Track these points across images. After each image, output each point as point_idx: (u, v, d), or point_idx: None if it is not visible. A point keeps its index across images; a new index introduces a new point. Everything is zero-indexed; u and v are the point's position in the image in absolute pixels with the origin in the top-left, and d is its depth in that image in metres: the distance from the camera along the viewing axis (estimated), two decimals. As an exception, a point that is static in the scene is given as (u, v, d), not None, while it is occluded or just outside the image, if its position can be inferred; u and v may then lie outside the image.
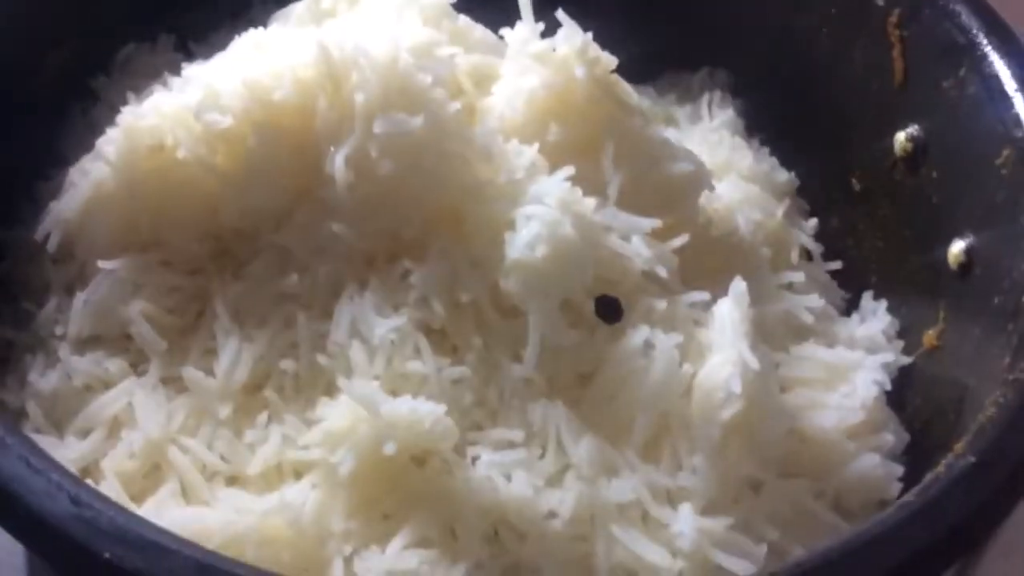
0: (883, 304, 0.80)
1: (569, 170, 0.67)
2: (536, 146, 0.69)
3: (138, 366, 0.68)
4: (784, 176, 0.87)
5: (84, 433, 0.66)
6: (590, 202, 0.67)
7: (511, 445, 0.65)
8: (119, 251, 0.69)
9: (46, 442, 0.64)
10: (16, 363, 0.69)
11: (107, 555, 0.50)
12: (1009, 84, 0.70)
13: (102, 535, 0.51)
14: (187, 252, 0.70)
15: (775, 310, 0.74)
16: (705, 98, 0.89)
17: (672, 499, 0.65)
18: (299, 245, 0.68)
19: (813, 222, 0.86)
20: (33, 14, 0.76)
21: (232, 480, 0.65)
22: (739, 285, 0.68)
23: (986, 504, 0.56)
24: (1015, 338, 0.64)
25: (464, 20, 0.78)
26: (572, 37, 0.70)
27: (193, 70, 0.71)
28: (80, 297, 0.69)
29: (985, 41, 0.72)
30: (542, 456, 0.65)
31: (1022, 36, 0.74)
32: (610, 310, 0.68)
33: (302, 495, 0.62)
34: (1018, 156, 0.68)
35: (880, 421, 0.72)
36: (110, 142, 0.69)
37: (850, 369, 0.74)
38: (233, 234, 0.70)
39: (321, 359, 0.66)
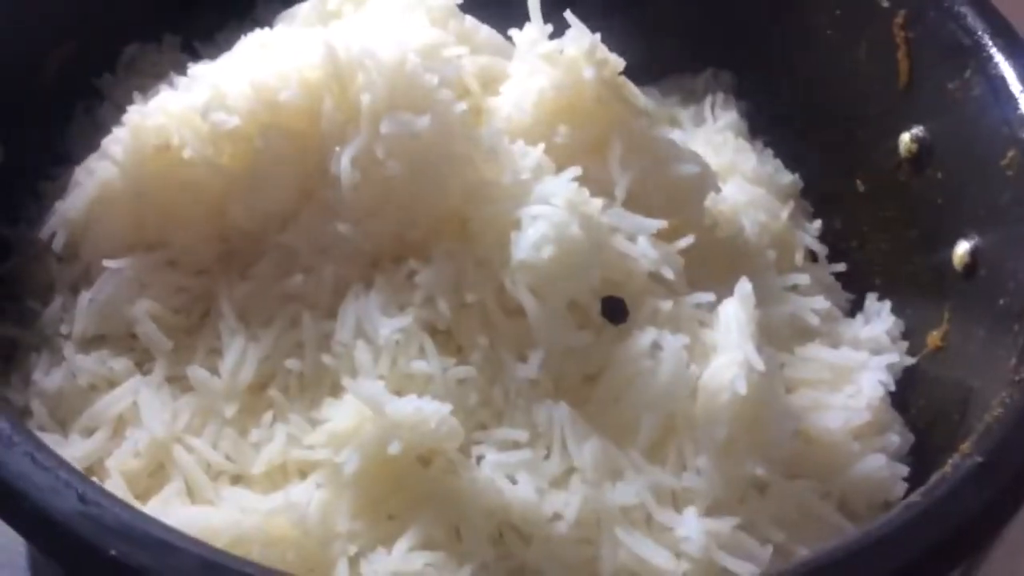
0: (887, 305, 0.80)
1: (576, 170, 0.67)
2: (542, 147, 0.69)
3: (143, 365, 0.68)
4: (788, 178, 0.87)
5: (89, 432, 0.66)
6: (597, 203, 0.67)
7: (516, 445, 0.64)
8: (125, 250, 0.69)
9: (51, 440, 0.64)
10: (21, 362, 0.69)
11: (113, 552, 0.50)
12: (1015, 86, 0.70)
13: (109, 532, 0.50)
14: (193, 252, 0.70)
15: (780, 311, 0.74)
16: (708, 100, 0.89)
17: (677, 501, 0.65)
18: (305, 245, 0.68)
19: (817, 223, 0.86)
20: (36, 12, 0.76)
21: (237, 479, 0.65)
22: (745, 286, 0.68)
23: (993, 504, 0.56)
24: (1021, 339, 0.64)
25: (470, 21, 0.78)
26: (580, 38, 0.70)
27: (199, 70, 0.71)
28: (85, 296, 0.69)
29: (991, 43, 0.72)
30: (547, 457, 0.65)
31: (1028, 38, 0.74)
32: (616, 311, 0.68)
33: (307, 495, 0.62)
34: (1024, 158, 0.69)
35: (885, 422, 0.72)
36: (116, 141, 0.69)
37: (855, 370, 0.74)
38: (239, 234, 0.70)
39: (326, 359, 0.66)
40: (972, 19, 0.73)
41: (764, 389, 0.65)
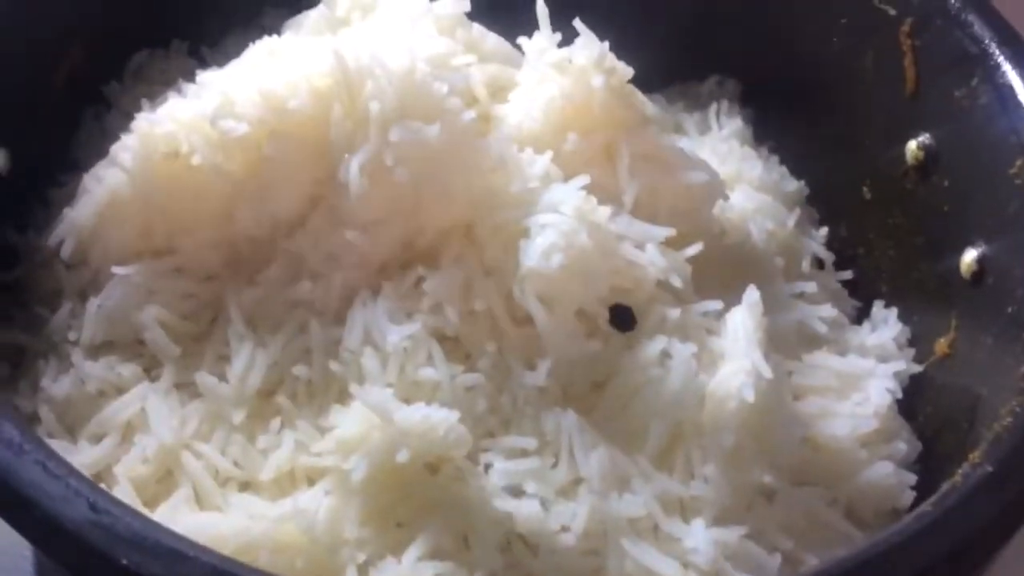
0: (894, 312, 0.80)
1: (584, 179, 0.67)
2: (550, 155, 0.69)
3: (151, 371, 0.68)
4: (794, 185, 0.87)
5: (97, 438, 0.66)
6: (605, 211, 0.67)
7: (524, 453, 0.65)
8: (133, 257, 0.69)
9: (59, 447, 0.63)
10: (29, 368, 0.69)
11: (124, 561, 0.50)
12: (1022, 94, 0.70)
13: (120, 541, 0.50)
14: (201, 258, 0.70)
15: (788, 319, 0.74)
16: (713, 107, 0.89)
17: (685, 510, 0.65)
18: (313, 252, 0.69)
19: (824, 231, 0.86)
20: (44, 19, 0.76)
21: (245, 486, 0.65)
22: (753, 294, 0.68)
23: (1004, 513, 0.56)
24: (1029, 347, 0.64)
25: (478, 29, 0.78)
26: (590, 47, 0.70)
27: (208, 77, 0.72)
28: (94, 303, 0.69)
29: (998, 51, 0.72)
30: (555, 465, 0.65)
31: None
32: (624, 319, 0.68)
33: (315, 502, 0.62)
34: (1031, 166, 0.69)
35: (893, 430, 0.72)
36: (125, 148, 0.69)
37: (862, 377, 0.74)
38: (247, 241, 0.70)
39: (334, 366, 0.66)
40: (979, 27, 0.73)
41: (772, 397, 0.65)
